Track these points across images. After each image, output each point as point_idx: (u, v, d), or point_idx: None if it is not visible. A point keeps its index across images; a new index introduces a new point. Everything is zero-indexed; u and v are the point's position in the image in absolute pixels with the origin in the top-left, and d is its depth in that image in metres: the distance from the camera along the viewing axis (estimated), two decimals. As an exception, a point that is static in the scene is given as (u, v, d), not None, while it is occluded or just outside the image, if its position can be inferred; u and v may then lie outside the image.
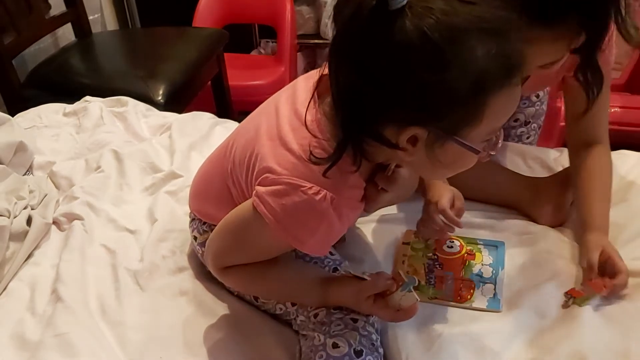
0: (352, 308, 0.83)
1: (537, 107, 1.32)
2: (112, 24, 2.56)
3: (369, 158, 0.73)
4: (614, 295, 0.91)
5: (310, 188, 0.70)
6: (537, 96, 1.29)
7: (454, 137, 0.66)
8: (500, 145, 0.72)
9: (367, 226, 1.10)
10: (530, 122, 1.33)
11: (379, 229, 1.10)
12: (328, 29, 2.72)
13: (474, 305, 0.94)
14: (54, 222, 1.15)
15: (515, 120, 1.33)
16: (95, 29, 2.25)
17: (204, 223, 0.97)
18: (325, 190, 0.70)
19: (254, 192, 0.75)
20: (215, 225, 0.85)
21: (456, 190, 0.97)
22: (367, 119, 0.67)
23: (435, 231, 0.96)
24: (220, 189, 0.89)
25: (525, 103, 1.31)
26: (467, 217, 1.04)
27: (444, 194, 0.94)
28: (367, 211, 0.82)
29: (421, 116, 0.64)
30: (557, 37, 0.79)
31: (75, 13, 2.07)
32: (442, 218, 0.93)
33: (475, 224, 1.09)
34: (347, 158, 0.70)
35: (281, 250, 0.82)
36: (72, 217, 1.15)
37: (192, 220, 1.01)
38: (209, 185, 0.96)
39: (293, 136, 0.74)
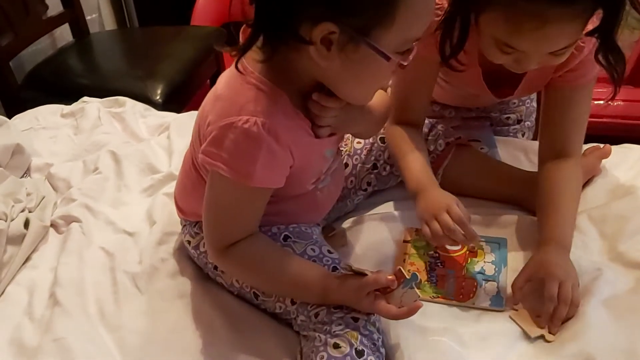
0: (353, 306, 0.82)
1: (528, 105, 1.32)
2: (109, 24, 2.55)
3: (292, 74, 0.76)
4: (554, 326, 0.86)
5: (239, 120, 0.73)
6: None
7: (365, 38, 0.69)
8: (412, 56, 0.74)
9: (367, 225, 1.09)
10: (522, 120, 1.33)
11: (379, 227, 1.08)
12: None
13: (477, 303, 0.93)
14: (52, 225, 1.15)
15: (507, 119, 1.33)
16: (93, 29, 2.24)
17: (194, 225, 0.97)
18: (254, 117, 0.73)
19: (200, 152, 0.78)
20: None
21: (452, 196, 0.94)
22: (281, 16, 0.69)
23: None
24: (196, 179, 0.91)
25: (514, 103, 1.31)
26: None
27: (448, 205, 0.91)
28: (318, 132, 0.82)
29: (333, 11, 0.67)
30: (575, 16, 0.79)
31: (73, 13, 2.06)
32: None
33: (476, 221, 1.07)
34: (274, 88, 0.75)
35: (254, 203, 0.82)
36: (70, 220, 1.14)
37: (184, 226, 1.01)
38: (187, 180, 0.97)
39: (226, 88, 0.79)
